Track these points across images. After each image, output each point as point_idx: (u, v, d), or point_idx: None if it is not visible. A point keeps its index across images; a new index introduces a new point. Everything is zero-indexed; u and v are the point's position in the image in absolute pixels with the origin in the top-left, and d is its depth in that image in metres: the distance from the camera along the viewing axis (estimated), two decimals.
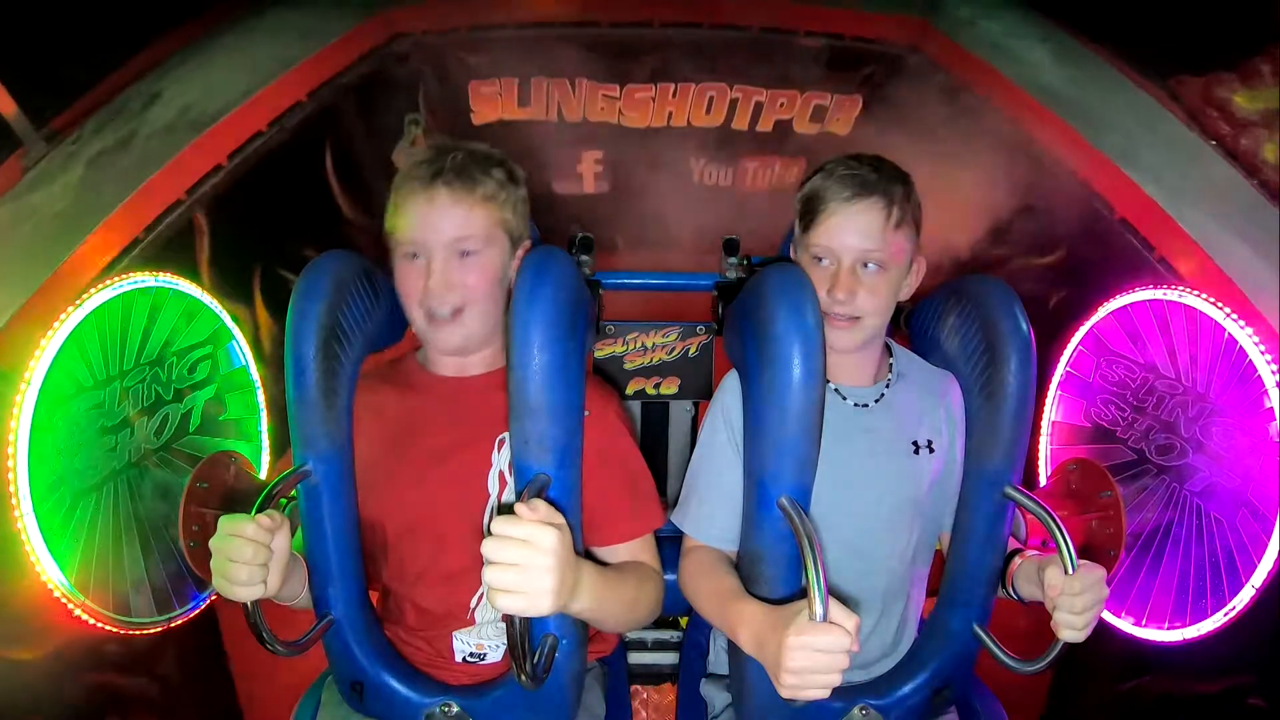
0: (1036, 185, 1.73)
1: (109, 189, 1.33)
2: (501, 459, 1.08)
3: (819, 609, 0.81)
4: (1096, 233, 1.61)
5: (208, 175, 1.50)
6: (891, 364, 1.18)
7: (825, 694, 0.84)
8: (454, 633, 1.11)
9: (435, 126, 2.05)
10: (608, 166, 2.13)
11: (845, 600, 0.84)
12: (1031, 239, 1.80)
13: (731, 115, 2.07)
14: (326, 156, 1.89)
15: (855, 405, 1.13)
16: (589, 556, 1.05)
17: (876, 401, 1.14)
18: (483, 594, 1.09)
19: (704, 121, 2.08)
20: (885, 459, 1.11)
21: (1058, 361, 1.54)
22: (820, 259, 1.10)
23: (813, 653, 0.81)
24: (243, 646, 1.54)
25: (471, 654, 1.12)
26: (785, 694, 0.85)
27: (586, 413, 0.98)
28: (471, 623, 1.11)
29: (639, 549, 1.11)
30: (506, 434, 1.00)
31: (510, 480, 1.04)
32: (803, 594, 0.84)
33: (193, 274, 1.40)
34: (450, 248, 1.04)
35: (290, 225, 1.79)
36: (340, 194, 1.94)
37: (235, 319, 1.48)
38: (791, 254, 1.19)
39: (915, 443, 1.13)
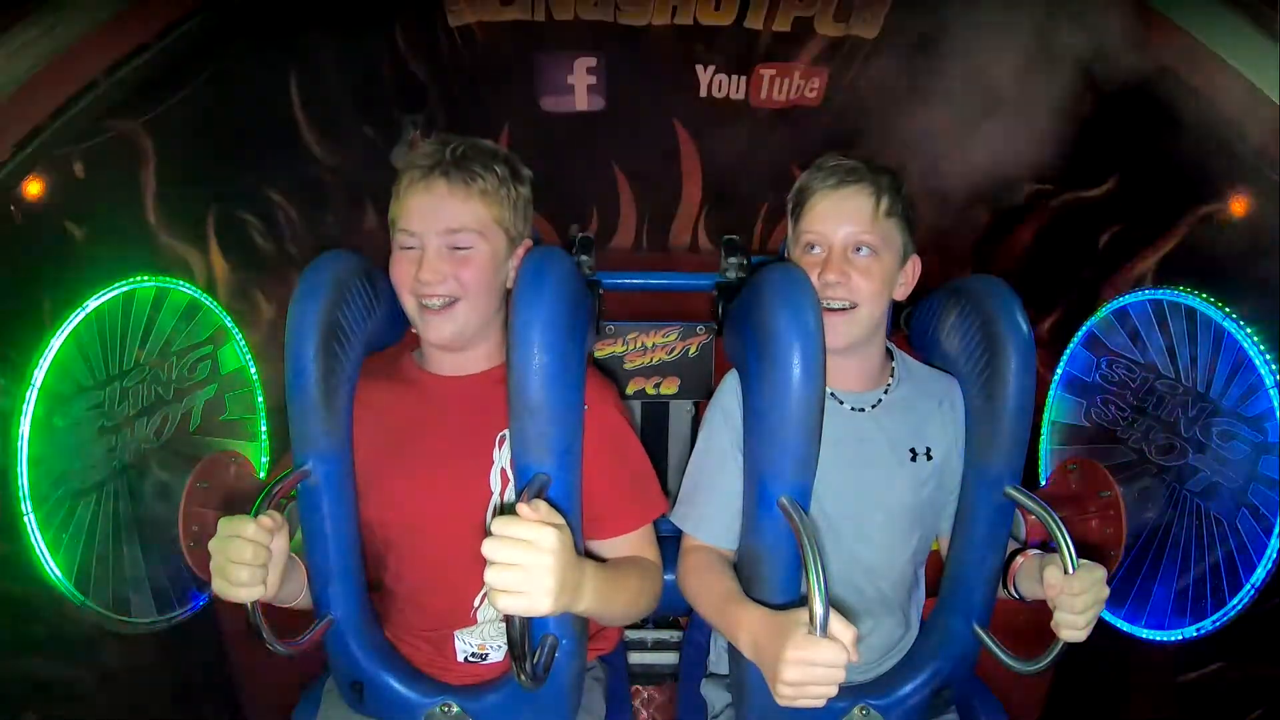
0: (1112, 100, 1.41)
1: (20, 72, 1.16)
2: (503, 456, 1.08)
3: (820, 611, 0.81)
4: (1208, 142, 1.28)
5: (130, 56, 1.27)
6: (894, 368, 1.18)
7: (821, 704, 0.84)
8: (456, 632, 1.11)
9: (404, 29, 1.76)
10: (602, 78, 1.86)
11: (845, 603, 0.85)
12: (1100, 163, 1.52)
13: (745, 11, 1.77)
14: (292, 87, 1.67)
15: (852, 409, 1.13)
16: (589, 551, 1.05)
17: (874, 406, 1.14)
18: (486, 593, 1.09)
19: (713, 19, 1.77)
20: (883, 466, 1.11)
21: (1058, 361, 1.54)
22: (812, 246, 1.11)
23: (809, 668, 0.81)
24: (243, 646, 1.53)
25: (473, 654, 1.12)
26: (782, 703, 0.85)
27: (585, 407, 0.98)
28: (474, 622, 1.11)
29: (639, 541, 1.11)
30: (507, 431, 1.00)
31: (512, 478, 1.04)
32: (803, 600, 0.84)
33: (137, 204, 1.31)
34: (444, 237, 1.05)
35: (252, 162, 1.62)
36: (308, 130, 1.74)
37: (186, 263, 1.38)
38: (786, 255, 1.20)
39: (913, 450, 1.13)
